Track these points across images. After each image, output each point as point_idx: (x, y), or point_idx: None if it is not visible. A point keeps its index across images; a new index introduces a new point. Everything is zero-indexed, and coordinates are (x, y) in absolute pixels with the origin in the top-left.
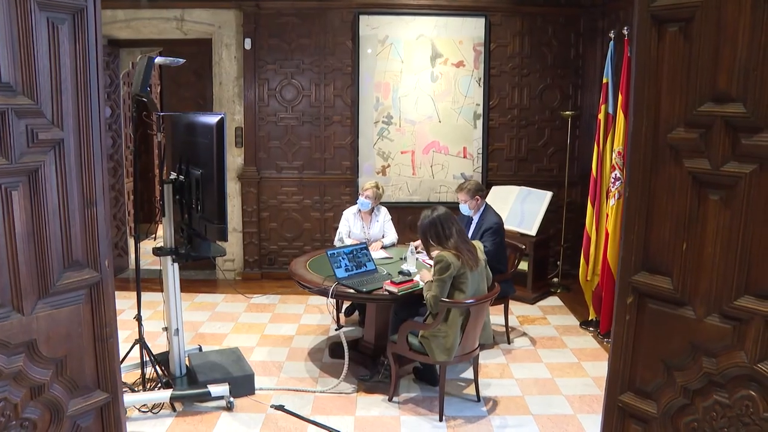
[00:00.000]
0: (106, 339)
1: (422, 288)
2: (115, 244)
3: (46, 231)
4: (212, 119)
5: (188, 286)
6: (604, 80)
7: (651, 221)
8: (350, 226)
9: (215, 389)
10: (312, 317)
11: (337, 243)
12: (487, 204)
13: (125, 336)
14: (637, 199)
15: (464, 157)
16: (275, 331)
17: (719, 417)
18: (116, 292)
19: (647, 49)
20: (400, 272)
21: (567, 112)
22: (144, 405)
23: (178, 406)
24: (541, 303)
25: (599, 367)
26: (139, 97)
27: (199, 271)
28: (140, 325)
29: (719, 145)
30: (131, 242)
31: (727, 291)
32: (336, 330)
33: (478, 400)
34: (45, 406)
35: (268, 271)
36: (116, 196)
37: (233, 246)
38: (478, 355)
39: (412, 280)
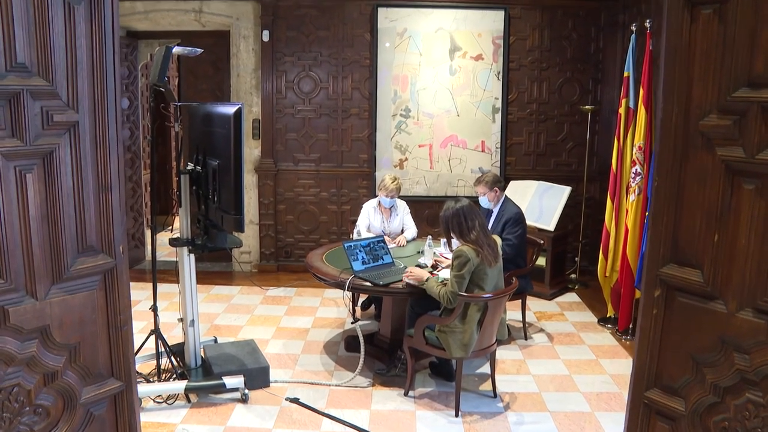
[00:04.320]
0: (120, 327)
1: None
2: (131, 236)
3: (61, 215)
4: (230, 109)
5: (204, 277)
6: (626, 74)
7: (681, 212)
8: (370, 220)
9: (230, 381)
10: (328, 310)
11: (355, 236)
12: (506, 196)
13: (141, 327)
14: (666, 189)
15: (482, 151)
16: (291, 323)
17: (752, 416)
18: (132, 283)
19: (679, 33)
20: (418, 265)
21: (586, 107)
22: (159, 396)
23: (193, 397)
24: (559, 299)
25: (617, 365)
26: (156, 87)
27: (216, 263)
28: (156, 315)
29: (755, 133)
30: (148, 233)
31: (762, 285)
32: (352, 323)
33: (495, 396)
34: (58, 393)
35: (284, 263)
36: (133, 187)
37: (249, 238)
38: (495, 350)
39: (432, 273)
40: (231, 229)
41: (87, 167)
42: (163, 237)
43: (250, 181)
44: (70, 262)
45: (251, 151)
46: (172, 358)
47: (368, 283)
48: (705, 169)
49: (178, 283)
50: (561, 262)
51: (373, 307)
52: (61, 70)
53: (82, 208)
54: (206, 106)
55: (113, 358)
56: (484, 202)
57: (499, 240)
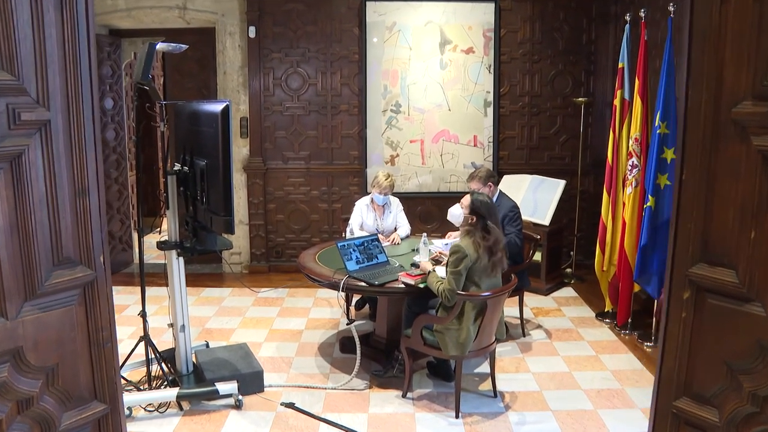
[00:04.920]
0: (103, 344)
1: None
2: (119, 238)
3: (33, 224)
4: (217, 107)
5: (194, 280)
6: (620, 65)
7: (711, 207)
8: (363, 218)
9: (223, 387)
10: (321, 311)
11: (348, 235)
12: (500, 190)
13: (130, 332)
14: (695, 183)
15: (474, 145)
16: (284, 325)
17: None
18: (121, 287)
19: (708, 15)
20: (413, 264)
21: (579, 99)
22: (150, 404)
23: (185, 404)
24: (555, 294)
25: (617, 360)
26: (140, 85)
27: (205, 265)
28: (145, 321)
29: None
30: (136, 236)
31: None
32: (347, 324)
33: (495, 395)
34: (34, 421)
35: (275, 263)
36: (120, 189)
37: (240, 239)
38: (495, 349)
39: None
40: (221, 230)
41: (61, 170)
42: (152, 239)
43: (239, 180)
44: (44, 275)
45: (239, 150)
46: (163, 364)
47: (363, 284)
48: (738, 160)
49: (167, 286)
50: (557, 256)
51: (367, 306)
52: (29, 63)
53: (57, 215)
54: (192, 105)
55: (96, 379)
56: None
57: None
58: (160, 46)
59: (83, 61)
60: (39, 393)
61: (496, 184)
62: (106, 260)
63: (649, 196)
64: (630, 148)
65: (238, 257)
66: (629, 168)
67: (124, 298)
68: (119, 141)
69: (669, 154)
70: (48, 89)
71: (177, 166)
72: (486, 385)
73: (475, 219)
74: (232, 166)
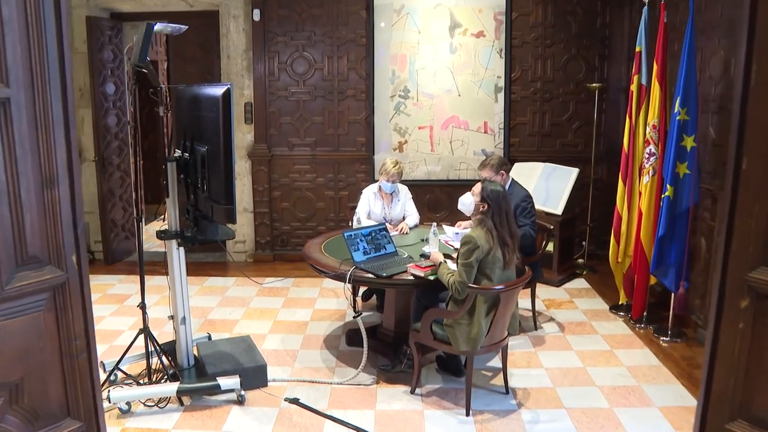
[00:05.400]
0: (77, 354)
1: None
2: (122, 226)
3: None
4: (218, 90)
5: (197, 269)
6: (637, 49)
7: None
8: (370, 206)
9: (225, 382)
10: (327, 302)
11: (354, 224)
12: (512, 179)
13: (132, 323)
14: (759, 174)
15: (485, 132)
16: (289, 316)
17: None
18: (123, 276)
19: None
20: (422, 255)
21: (593, 85)
22: (149, 399)
23: (186, 399)
24: (568, 285)
25: (633, 355)
26: (138, 68)
27: (209, 254)
28: (144, 313)
29: None
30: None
31: None
32: (354, 317)
33: (507, 392)
34: None
35: (280, 252)
36: (122, 176)
37: (244, 227)
38: (507, 344)
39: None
40: (222, 220)
41: (25, 156)
42: (155, 227)
43: (243, 167)
44: (5, 278)
45: (244, 136)
46: (164, 357)
47: (370, 275)
48: None
49: (167, 276)
50: (569, 246)
51: (374, 297)
52: None
53: (20, 208)
54: (193, 89)
55: (69, 393)
56: None
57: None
58: (159, 27)
59: (49, 27)
60: (0, 412)
61: (509, 172)
62: (82, 259)
63: (668, 186)
64: (647, 136)
65: (243, 246)
66: (646, 156)
67: (127, 288)
68: (121, 127)
69: (689, 142)
70: (6, 61)
71: (177, 153)
72: (497, 381)
73: (486, 207)
74: (234, 153)
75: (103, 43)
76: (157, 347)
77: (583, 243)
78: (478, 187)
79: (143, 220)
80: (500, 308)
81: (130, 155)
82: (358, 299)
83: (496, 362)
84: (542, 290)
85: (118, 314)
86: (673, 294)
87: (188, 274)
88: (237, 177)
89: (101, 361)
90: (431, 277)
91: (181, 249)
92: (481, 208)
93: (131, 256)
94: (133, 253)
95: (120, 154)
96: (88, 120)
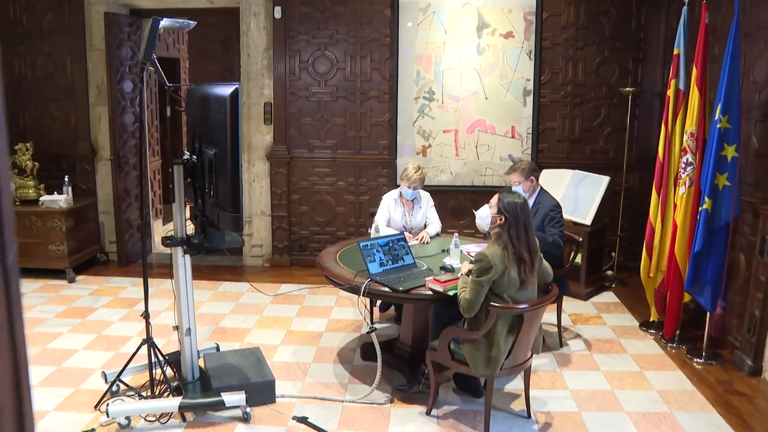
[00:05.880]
0: None
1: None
2: (137, 227)
3: None
4: (226, 90)
5: (213, 273)
6: (675, 51)
7: None
8: (390, 213)
9: (230, 398)
10: (344, 311)
11: (372, 232)
12: (541, 187)
13: (140, 329)
14: None
15: (512, 137)
16: (303, 326)
17: None
18: (136, 279)
19: None
20: (443, 267)
21: (626, 89)
22: (151, 414)
23: (189, 415)
24: (595, 299)
25: (665, 378)
26: (144, 65)
27: (225, 257)
28: (148, 323)
29: None
30: (157, 224)
31: None
32: (368, 333)
33: (529, 416)
34: None
35: (298, 257)
36: (138, 175)
37: (261, 231)
38: (531, 366)
39: (458, 277)
40: (228, 228)
41: None
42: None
43: (262, 169)
44: None
45: (263, 137)
46: (168, 368)
47: (386, 289)
48: None
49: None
50: (598, 258)
51: (393, 308)
52: None
53: None
54: (203, 88)
55: None
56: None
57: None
58: (165, 22)
59: None
60: None
61: (538, 179)
62: (13, 302)
63: (706, 198)
64: (684, 144)
65: (260, 250)
66: (683, 166)
67: (138, 292)
68: (138, 125)
69: (730, 152)
70: None
71: (186, 155)
72: (519, 404)
73: (503, 219)
74: (241, 158)
75: (121, 40)
76: (159, 359)
77: (612, 254)
78: (495, 199)
79: (161, 221)
80: (524, 328)
81: (148, 155)
82: (375, 309)
83: (518, 382)
84: (569, 304)
85: (127, 320)
86: (708, 313)
87: (203, 278)
88: (255, 179)
89: (103, 372)
90: (451, 293)
91: (187, 257)
92: (498, 221)
93: (147, 258)
94: (149, 254)
95: (137, 153)
96: (104, 118)
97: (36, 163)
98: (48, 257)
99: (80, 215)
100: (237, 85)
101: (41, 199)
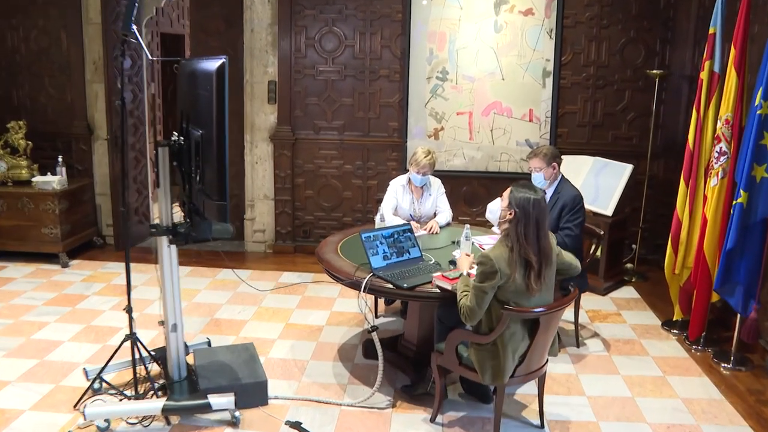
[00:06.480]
0: None
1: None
2: (135, 210)
3: None
4: (212, 65)
5: (212, 259)
6: (711, 30)
7: None
8: (398, 201)
9: (217, 401)
10: (347, 303)
11: (377, 221)
12: (562, 175)
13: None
14: None
15: (530, 120)
16: (302, 319)
17: None
18: (132, 264)
19: None
20: (452, 262)
21: (653, 72)
22: (133, 416)
23: (174, 418)
24: (614, 294)
25: (690, 385)
26: (124, 37)
27: (226, 242)
28: (131, 318)
29: None
30: (155, 207)
31: None
32: (369, 332)
33: (542, 425)
34: None
35: (302, 244)
36: (137, 156)
37: (264, 215)
38: (546, 372)
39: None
40: (213, 218)
41: None
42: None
43: (265, 151)
44: None
45: (266, 117)
46: (156, 365)
47: (389, 285)
48: None
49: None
50: (618, 251)
51: (399, 300)
52: None
53: None
54: (191, 63)
55: None
56: (538, 179)
57: (553, 238)
58: None
59: None
60: None
61: (560, 165)
62: None
63: (741, 191)
64: (718, 131)
65: (262, 235)
66: (715, 155)
67: (134, 278)
68: (137, 104)
69: None
70: None
71: (174, 136)
72: (532, 412)
73: (512, 214)
74: (227, 140)
75: (118, 13)
76: (146, 356)
77: (633, 246)
78: (507, 192)
79: (127, 213)
80: (539, 333)
81: (147, 136)
82: (380, 301)
83: (531, 387)
84: (586, 299)
85: (118, 308)
86: (738, 315)
87: (201, 264)
88: (258, 161)
89: (84, 368)
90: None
91: (173, 247)
92: (506, 216)
93: (144, 242)
94: (146, 238)
95: (135, 132)
96: (101, 96)
97: (29, 142)
98: (41, 241)
99: (75, 197)
100: (224, 59)
101: (33, 180)
